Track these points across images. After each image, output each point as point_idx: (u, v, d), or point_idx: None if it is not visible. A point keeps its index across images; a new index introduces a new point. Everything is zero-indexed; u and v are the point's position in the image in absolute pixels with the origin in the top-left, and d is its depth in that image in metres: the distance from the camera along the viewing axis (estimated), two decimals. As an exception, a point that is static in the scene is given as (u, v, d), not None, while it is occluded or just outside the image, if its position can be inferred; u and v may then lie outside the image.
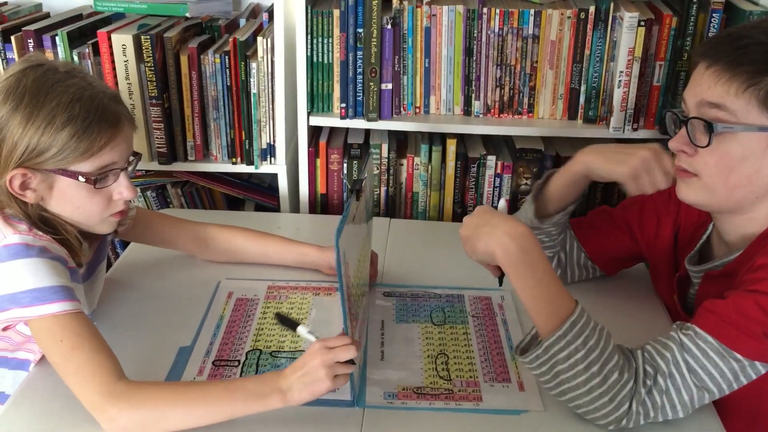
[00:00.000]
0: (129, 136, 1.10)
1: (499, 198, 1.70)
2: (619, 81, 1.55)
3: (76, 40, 1.57)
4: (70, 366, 0.98)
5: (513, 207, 1.69)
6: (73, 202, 1.07)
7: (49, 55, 1.54)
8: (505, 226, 1.00)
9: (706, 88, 0.99)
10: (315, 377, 0.97)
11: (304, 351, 1.15)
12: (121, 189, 1.09)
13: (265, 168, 1.68)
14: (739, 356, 0.94)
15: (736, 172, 0.99)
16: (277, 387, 0.98)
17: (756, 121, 0.96)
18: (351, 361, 1.00)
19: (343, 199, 1.72)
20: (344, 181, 1.69)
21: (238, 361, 1.14)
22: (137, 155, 1.13)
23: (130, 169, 1.11)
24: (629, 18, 1.49)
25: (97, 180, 1.05)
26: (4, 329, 1.05)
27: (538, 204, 1.24)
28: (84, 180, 1.04)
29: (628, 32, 1.50)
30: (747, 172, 0.99)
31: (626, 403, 0.96)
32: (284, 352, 1.17)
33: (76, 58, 1.54)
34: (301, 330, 1.07)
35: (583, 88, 1.60)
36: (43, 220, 1.07)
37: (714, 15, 1.50)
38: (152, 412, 0.97)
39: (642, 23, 1.50)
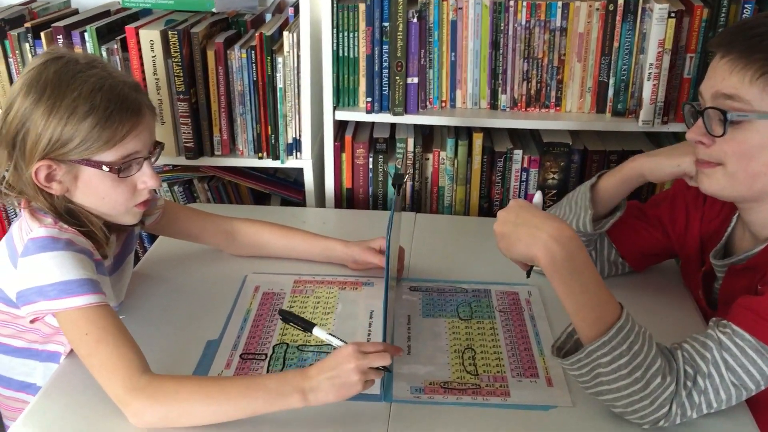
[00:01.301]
0: (151, 124, 1.11)
1: (526, 191, 1.68)
2: (649, 74, 1.52)
3: (104, 36, 1.58)
4: (95, 359, 0.99)
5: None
6: (98, 192, 1.08)
7: (78, 51, 1.56)
8: (550, 228, 0.93)
9: (721, 80, 0.98)
10: (347, 380, 0.97)
11: (330, 345, 1.16)
12: (145, 178, 1.10)
13: (291, 163, 1.68)
14: None
15: (756, 159, 0.99)
16: (299, 387, 0.97)
17: None
18: (384, 367, 0.99)
19: (368, 192, 1.71)
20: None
21: (266, 354, 1.14)
22: (160, 144, 1.14)
23: (153, 158, 1.12)
24: (659, 9, 1.47)
25: (121, 169, 1.06)
26: (32, 321, 1.06)
27: (594, 210, 1.23)
28: (108, 169, 1.05)
29: (658, 24, 1.48)
30: (767, 159, 0.98)
31: (666, 406, 0.95)
32: (311, 345, 1.17)
33: (104, 53, 1.56)
34: (319, 332, 1.06)
35: (611, 81, 1.58)
36: (68, 212, 1.08)
37: (746, 6, 1.47)
38: (175, 406, 0.98)
39: (672, 15, 1.47)
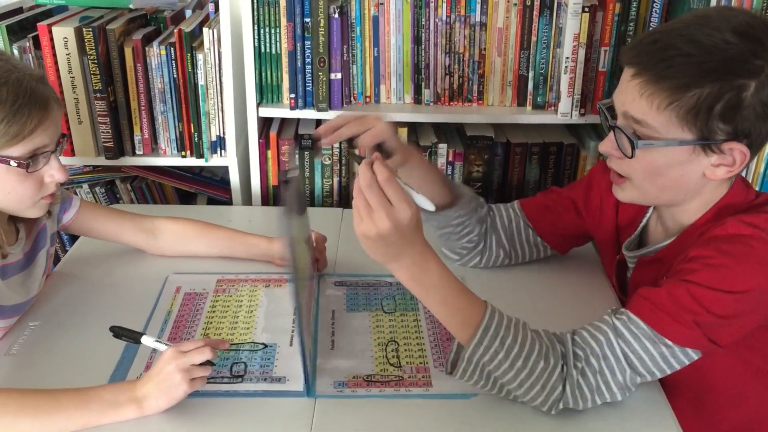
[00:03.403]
0: (58, 117, 1.09)
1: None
2: (566, 67, 1.56)
3: (16, 33, 1.53)
4: None
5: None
6: (3, 187, 1.05)
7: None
8: (412, 253, 0.96)
9: (631, 100, 0.99)
10: (171, 383, 0.97)
11: (253, 342, 1.16)
12: (53, 171, 1.08)
13: (216, 161, 1.66)
14: (668, 342, 0.96)
15: (663, 176, 1.02)
16: (133, 396, 0.97)
17: (676, 135, 0.97)
18: (209, 363, 1.00)
19: (295, 190, 1.71)
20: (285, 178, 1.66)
21: (187, 355, 1.13)
22: (65, 136, 1.12)
23: (58, 150, 1.10)
24: (573, 4, 1.50)
25: (29, 164, 1.04)
26: None
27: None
28: (16, 164, 1.03)
29: (572, 18, 1.51)
30: (673, 176, 1.01)
31: (558, 387, 0.97)
32: (233, 344, 1.16)
33: (16, 52, 1.51)
34: (147, 340, 1.06)
35: (531, 75, 1.62)
36: None
37: (656, 0, 1.52)
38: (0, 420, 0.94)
39: (586, 9, 1.51)
